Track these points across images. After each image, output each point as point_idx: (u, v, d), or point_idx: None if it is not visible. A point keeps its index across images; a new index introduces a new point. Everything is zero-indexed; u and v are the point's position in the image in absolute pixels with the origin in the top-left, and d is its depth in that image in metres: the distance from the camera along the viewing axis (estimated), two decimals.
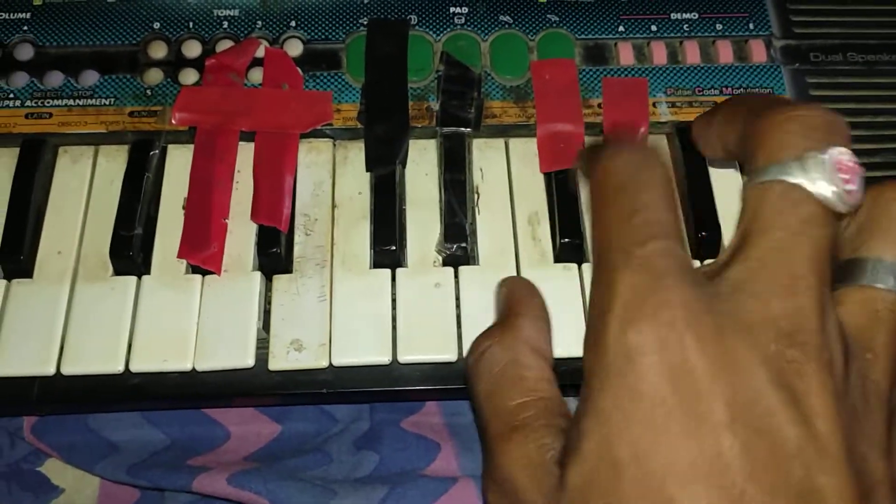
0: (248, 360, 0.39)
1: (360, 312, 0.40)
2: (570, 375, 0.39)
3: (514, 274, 0.41)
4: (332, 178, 0.44)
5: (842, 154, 0.26)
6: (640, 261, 0.26)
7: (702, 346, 0.24)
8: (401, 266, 0.41)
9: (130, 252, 0.41)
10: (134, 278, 0.41)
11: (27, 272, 0.41)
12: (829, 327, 0.25)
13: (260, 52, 0.46)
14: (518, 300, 0.33)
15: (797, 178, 0.26)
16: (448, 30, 0.47)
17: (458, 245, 0.41)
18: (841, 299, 0.28)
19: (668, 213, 0.27)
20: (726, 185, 0.43)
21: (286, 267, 0.41)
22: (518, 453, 0.28)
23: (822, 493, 0.23)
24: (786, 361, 0.24)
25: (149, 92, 0.45)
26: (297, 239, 0.42)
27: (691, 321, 0.24)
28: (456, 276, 0.41)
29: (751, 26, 0.48)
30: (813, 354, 0.24)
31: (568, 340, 0.38)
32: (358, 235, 0.42)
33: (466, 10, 0.48)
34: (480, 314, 0.39)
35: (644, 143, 0.32)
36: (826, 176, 0.26)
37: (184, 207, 0.42)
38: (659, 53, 0.47)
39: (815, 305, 0.25)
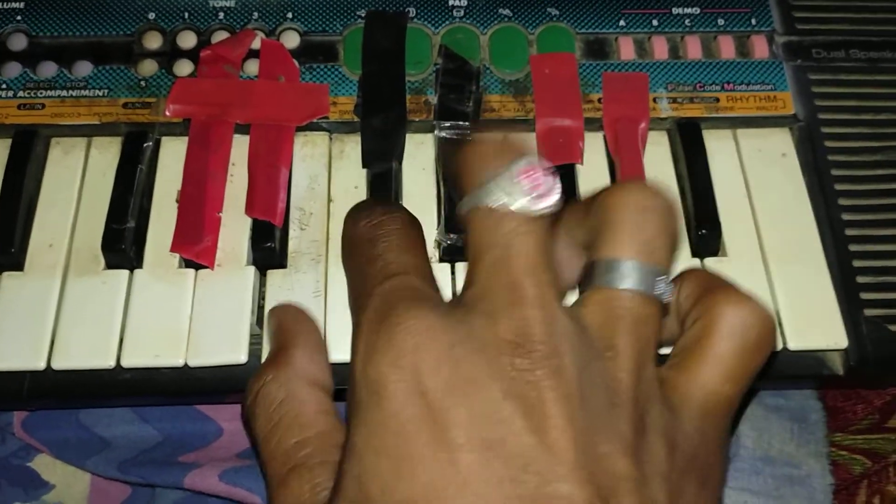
0: (242, 356, 0.38)
1: None
2: None
3: None
4: (327, 172, 0.43)
5: (520, 165, 0.28)
6: (377, 298, 0.27)
7: (435, 368, 0.25)
8: None
9: (122, 245, 0.40)
10: (126, 272, 0.40)
11: (18, 265, 0.41)
12: (559, 332, 0.26)
13: (256, 44, 0.46)
14: (287, 331, 0.33)
15: (492, 199, 0.28)
16: (447, 22, 0.47)
17: (460, 235, 0.40)
18: (584, 301, 0.28)
19: (406, 255, 0.29)
20: (727, 182, 0.43)
21: (280, 262, 0.41)
22: (292, 498, 0.28)
23: (555, 500, 0.23)
24: (516, 372, 0.25)
25: (143, 83, 0.45)
26: (291, 233, 0.41)
27: (424, 346, 0.25)
28: (452, 272, 0.40)
29: (753, 22, 0.47)
30: (542, 362, 0.25)
31: None
32: None
33: (465, 2, 0.47)
34: None
35: (381, 203, 0.34)
36: (516, 190, 0.27)
37: (177, 200, 0.42)
38: (660, 48, 0.46)
39: (538, 313, 0.26)
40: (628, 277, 0.28)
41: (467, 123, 0.44)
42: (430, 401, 0.24)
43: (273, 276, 0.40)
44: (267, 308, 0.39)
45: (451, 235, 0.41)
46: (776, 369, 0.39)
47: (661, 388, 0.28)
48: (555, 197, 0.28)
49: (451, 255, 0.41)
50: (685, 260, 0.41)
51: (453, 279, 0.40)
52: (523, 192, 0.27)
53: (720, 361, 0.28)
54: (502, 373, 0.25)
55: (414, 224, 0.31)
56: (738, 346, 0.29)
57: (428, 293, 0.28)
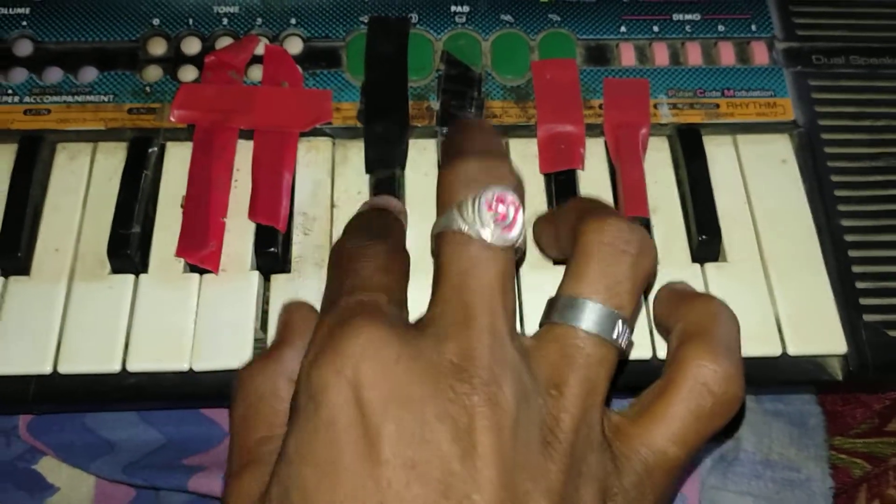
0: (245, 361, 0.38)
1: None
2: None
3: None
4: (331, 178, 0.43)
5: (493, 193, 0.28)
6: (339, 308, 0.28)
7: (375, 381, 0.25)
8: None
9: (128, 250, 0.41)
10: (131, 277, 0.40)
11: (24, 270, 0.41)
12: (503, 361, 0.26)
13: (260, 50, 0.46)
14: (289, 328, 0.33)
15: (458, 225, 0.28)
16: (449, 28, 0.47)
17: None
18: (541, 335, 0.28)
19: (380, 276, 0.30)
20: (727, 188, 0.43)
21: (284, 267, 0.41)
22: (240, 490, 0.28)
23: None
24: (454, 395, 0.25)
25: (148, 89, 0.45)
26: (295, 238, 0.41)
27: (369, 358, 0.25)
28: None
29: (753, 28, 0.47)
30: (480, 389, 0.25)
31: None
32: None
33: (467, 8, 0.48)
34: None
35: (378, 227, 0.34)
36: (480, 217, 0.28)
37: (182, 206, 0.42)
38: (661, 54, 0.46)
39: (485, 340, 0.26)
40: (587, 318, 0.28)
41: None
42: (365, 413, 0.25)
43: (277, 281, 0.40)
44: (272, 313, 0.39)
45: None
46: (776, 374, 0.39)
47: (612, 434, 0.28)
48: (519, 231, 0.29)
49: None
50: (685, 265, 0.41)
51: None
52: (489, 221, 0.28)
53: (672, 423, 0.28)
54: (440, 394, 0.25)
55: (399, 252, 0.32)
56: (693, 411, 0.28)
57: (390, 312, 0.28)
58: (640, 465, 0.28)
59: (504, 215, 0.28)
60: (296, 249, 0.41)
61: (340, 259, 0.31)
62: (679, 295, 0.32)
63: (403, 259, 0.32)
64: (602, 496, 0.26)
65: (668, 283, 0.35)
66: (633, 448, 0.28)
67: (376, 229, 0.34)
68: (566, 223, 0.31)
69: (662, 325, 0.32)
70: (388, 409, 0.25)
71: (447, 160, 0.32)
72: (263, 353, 0.32)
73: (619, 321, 0.28)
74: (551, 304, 0.29)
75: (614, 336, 0.28)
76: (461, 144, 0.32)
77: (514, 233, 0.28)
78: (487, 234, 0.28)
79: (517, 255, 0.30)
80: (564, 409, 0.26)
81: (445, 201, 0.30)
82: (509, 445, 0.25)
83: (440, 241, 0.29)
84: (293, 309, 0.34)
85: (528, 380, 0.26)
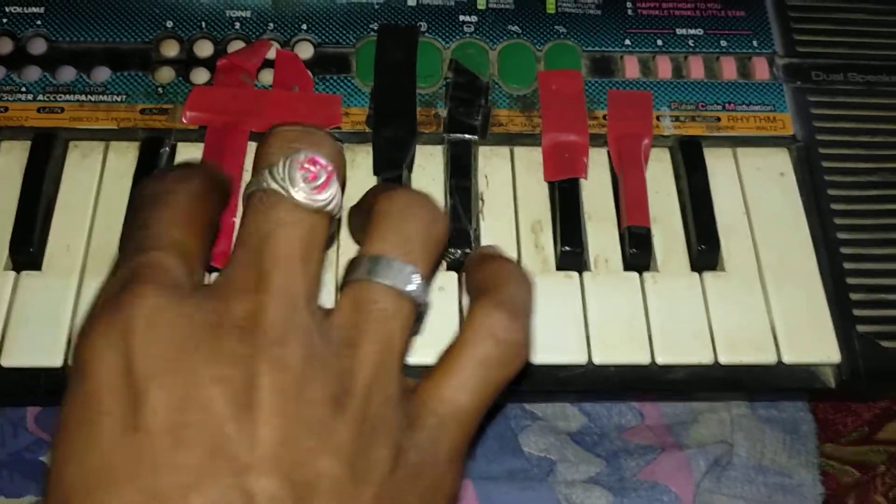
0: None
1: None
2: (570, 381, 0.40)
3: None
4: None
5: (305, 156, 0.28)
6: (124, 271, 0.26)
7: (146, 348, 0.24)
8: None
9: None
10: None
11: (36, 265, 0.41)
12: (294, 322, 0.25)
13: (271, 54, 0.47)
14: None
15: (269, 184, 0.27)
16: (457, 37, 0.48)
17: (463, 250, 0.42)
18: (343, 292, 0.28)
19: (175, 230, 0.28)
20: (727, 200, 0.44)
21: None
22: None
23: (241, 491, 0.23)
24: (235, 357, 0.24)
25: (160, 90, 0.46)
26: None
27: (146, 324, 0.24)
28: (459, 281, 0.41)
29: (754, 44, 0.49)
30: (265, 350, 0.24)
31: (569, 347, 0.39)
32: None
33: (476, 18, 0.48)
34: None
35: (185, 166, 0.32)
36: (290, 178, 0.27)
37: None
38: (664, 67, 0.47)
39: (276, 302, 0.25)
40: (381, 273, 0.27)
41: (476, 137, 0.45)
42: (132, 381, 0.24)
43: None
44: None
45: (454, 251, 0.42)
46: (771, 381, 0.40)
47: (407, 393, 0.28)
48: (331, 194, 0.28)
49: (456, 269, 0.42)
50: (685, 274, 0.42)
51: (459, 287, 0.41)
52: (299, 181, 0.27)
53: (461, 372, 0.28)
54: (219, 356, 0.24)
55: (205, 194, 0.30)
56: (480, 359, 0.28)
57: (175, 275, 0.27)
58: (432, 418, 0.27)
59: (315, 175, 0.28)
60: None
61: (139, 202, 0.30)
62: (481, 257, 0.32)
63: (215, 197, 0.31)
64: (395, 452, 0.26)
65: (479, 247, 0.34)
66: (424, 402, 0.27)
67: (186, 170, 0.31)
68: (367, 203, 0.31)
69: (469, 289, 0.31)
70: (157, 376, 0.24)
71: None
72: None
73: (413, 275, 0.28)
74: (347, 266, 0.28)
75: (408, 288, 0.27)
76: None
77: (326, 195, 0.28)
78: (297, 194, 0.27)
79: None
80: (358, 368, 0.26)
81: (259, 165, 0.29)
82: (292, 405, 0.24)
83: (247, 200, 0.28)
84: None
85: (319, 340, 0.26)
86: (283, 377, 0.24)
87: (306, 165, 0.28)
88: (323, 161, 0.28)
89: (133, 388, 0.23)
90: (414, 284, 0.28)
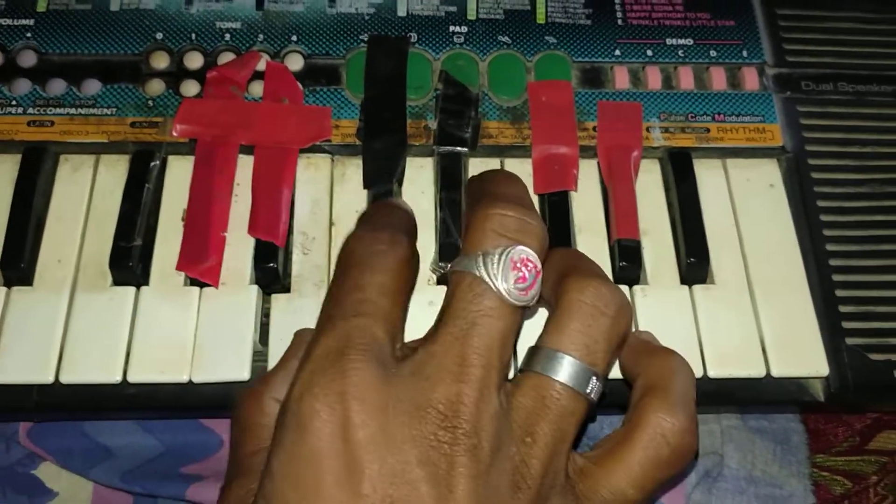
0: (244, 373, 0.39)
1: None
2: None
3: None
4: (329, 196, 0.44)
5: (521, 254, 0.30)
6: (339, 332, 0.29)
7: (363, 421, 0.27)
8: None
9: (129, 263, 0.41)
10: (133, 289, 0.41)
11: (27, 280, 0.42)
12: (487, 413, 0.28)
13: (261, 66, 0.47)
14: (289, 354, 0.35)
15: (480, 272, 0.29)
16: (447, 48, 0.48)
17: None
18: (520, 382, 0.30)
19: (384, 299, 0.30)
20: (716, 211, 0.44)
21: (284, 284, 0.42)
22: (230, 498, 0.30)
23: None
24: (437, 442, 0.27)
25: (150, 103, 0.46)
26: (295, 258, 0.42)
27: (362, 396, 0.27)
28: None
29: (744, 54, 0.49)
30: (462, 440, 0.27)
31: None
32: None
33: (466, 29, 0.48)
34: None
35: (392, 227, 0.34)
36: (503, 273, 0.29)
37: (183, 219, 0.43)
38: (654, 78, 0.47)
39: (474, 392, 0.28)
40: (564, 371, 0.30)
41: (466, 149, 0.45)
42: (350, 448, 0.26)
43: (278, 300, 0.41)
44: (271, 327, 0.40)
45: (444, 265, 0.42)
46: (760, 395, 0.41)
47: (577, 475, 0.30)
48: (533, 294, 0.30)
49: (446, 283, 0.41)
50: (674, 287, 0.42)
51: None
52: (511, 279, 0.29)
53: (632, 468, 0.30)
54: (424, 439, 0.27)
55: (410, 263, 0.33)
56: (651, 459, 0.30)
57: (385, 348, 0.29)
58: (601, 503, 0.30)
59: (524, 277, 0.30)
60: (295, 269, 0.42)
61: (348, 262, 0.32)
62: (643, 347, 0.34)
63: (412, 268, 0.33)
64: None
65: (634, 332, 0.36)
66: (594, 489, 0.30)
67: (388, 228, 0.33)
68: (550, 276, 0.32)
69: (627, 374, 0.34)
70: (372, 447, 0.26)
71: (482, 201, 0.32)
72: (259, 378, 0.35)
73: (593, 377, 0.30)
74: (532, 353, 0.31)
75: (587, 390, 0.30)
76: (497, 188, 0.34)
77: (529, 296, 0.30)
78: (504, 290, 0.29)
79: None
80: (535, 457, 0.29)
81: (473, 243, 0.31)
82: (482, 490, 0.27)
83: (457, 279, 0.30)
84: (299, 336, 0.36)
85: (504, 429, 0.28)
86: (476, 466, 0.27)
87: (519, 266, 0.30)
88: (534, 261, 0.30)
89: (351, 455, 0.26)
90: (592, 386, 0.30)
